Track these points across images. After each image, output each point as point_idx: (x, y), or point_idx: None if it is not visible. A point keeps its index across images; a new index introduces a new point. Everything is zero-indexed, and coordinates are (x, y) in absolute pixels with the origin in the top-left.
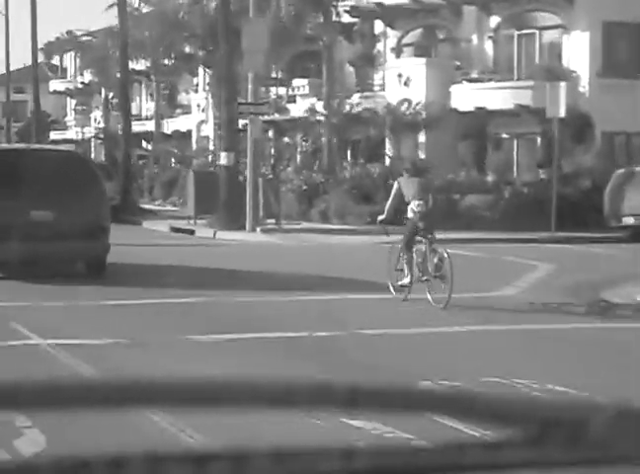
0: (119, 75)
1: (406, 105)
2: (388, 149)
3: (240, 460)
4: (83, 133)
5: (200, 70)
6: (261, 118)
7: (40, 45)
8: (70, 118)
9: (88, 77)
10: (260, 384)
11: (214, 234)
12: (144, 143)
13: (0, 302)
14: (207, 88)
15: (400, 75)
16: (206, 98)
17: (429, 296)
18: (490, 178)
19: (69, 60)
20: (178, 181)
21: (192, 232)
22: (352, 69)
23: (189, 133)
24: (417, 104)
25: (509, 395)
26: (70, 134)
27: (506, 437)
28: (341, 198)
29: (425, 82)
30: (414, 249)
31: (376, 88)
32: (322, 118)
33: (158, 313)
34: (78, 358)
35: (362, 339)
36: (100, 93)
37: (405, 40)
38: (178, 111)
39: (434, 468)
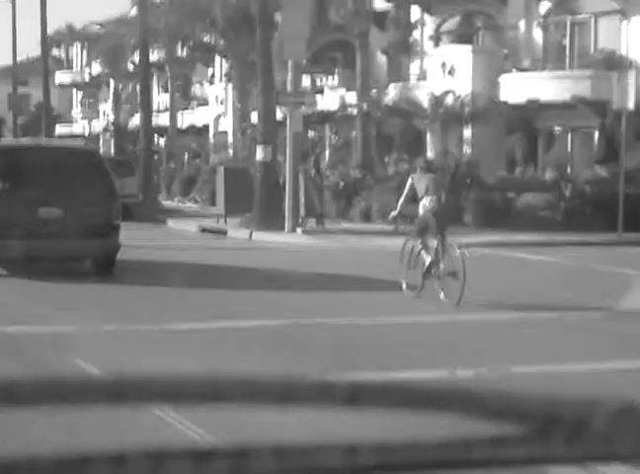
0: (130, 66)
1: (450, 96)
2: (432, 143)
3: (242, 456)
4: (91, 127)
5: (217, 61)
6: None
7: (38, 39)
8: (77, 112)
9: (96, 69)
10: (261, 381)
11: (250, 235)
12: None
13: (43, 325)
14: (225, 79)
15: (444, 64)
16: (225, 89)
17: (441, 295)
18: (548, 175)
19: (75, 52)
20: (197, 177)
21: (224, 233)
22: (383, 59)
23: (205, 127)
24: (466, 96)
25: (511, 391)
26: (77, 128)
27: (508, 433)
28: (385, 197)
29: (471, 71)
30: (427, 235)
31: (412, 78)
32: (355, 111)
33: (243, 342)
34: (192, 422)
35: (526, 380)
36: (108, 85)
37: (444, 28)
38: (193, 103)
39: (437, 464)
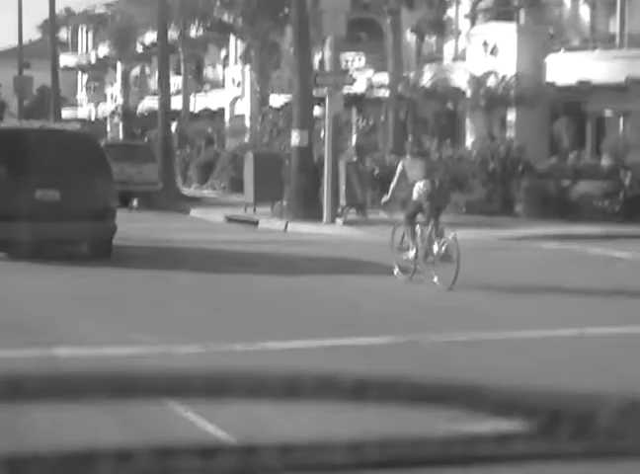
0: (139, 47)
1: (492, 77)
2: (472, 127)
3: (248, 453)
4: (97, 111)
5: (232, 42)
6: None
7: (38, 22)
8: (82, 95)
9: (103, 51)
10: (266, 375)
11: (286, 226)
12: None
13: (106, 347)
14: (240, 61)
15: (485, 44)
16: (242, 71)
17: (435, 278)
18: (604, 162)
19: (80, 34)
20: (215, 163)
21: (255, 223)
22: (410, 39)
23: (220, 111)
24: (510, 77)
25: (517, 386)
26: (82, 112)
27: (514, 429)
28: None
29: (515, 51)
30: (417, 224)
31: (446, 58)
32: (385, 93)
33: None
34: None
35: None
36: (115, 67)
37: (481, 6)
38: (206, 86)
39: (442, 460)
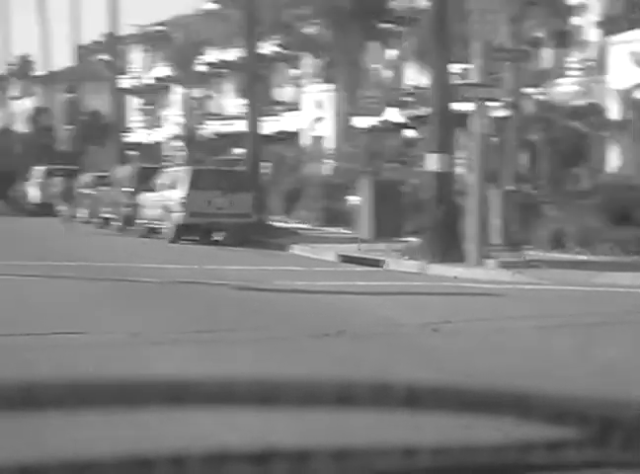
0: (203, 67)
1: None
2: (621, 152)
3: (302, 459)
4: (152, 135)
5: (305, 59)
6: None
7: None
8: (137, 120)
9: (161, 72)
10: (318, 383)
11: (424, 268)
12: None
13: None
14: (318, 79)
15: (635, 53)
16: (324, 91)
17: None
18: None
19: (134, 56)
20: (302, 191)
21: (380, 264)
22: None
23: (295, 134)
24: None
25: (567, 394)
26: (137, 137)
27: (565, 437)
28: (583, 218)
29: None
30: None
31: (570, 72)
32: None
33: None
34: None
35: None
36: (170, 90)
37: (612, 12)
38: (278, 108)
39: (495, 468)
